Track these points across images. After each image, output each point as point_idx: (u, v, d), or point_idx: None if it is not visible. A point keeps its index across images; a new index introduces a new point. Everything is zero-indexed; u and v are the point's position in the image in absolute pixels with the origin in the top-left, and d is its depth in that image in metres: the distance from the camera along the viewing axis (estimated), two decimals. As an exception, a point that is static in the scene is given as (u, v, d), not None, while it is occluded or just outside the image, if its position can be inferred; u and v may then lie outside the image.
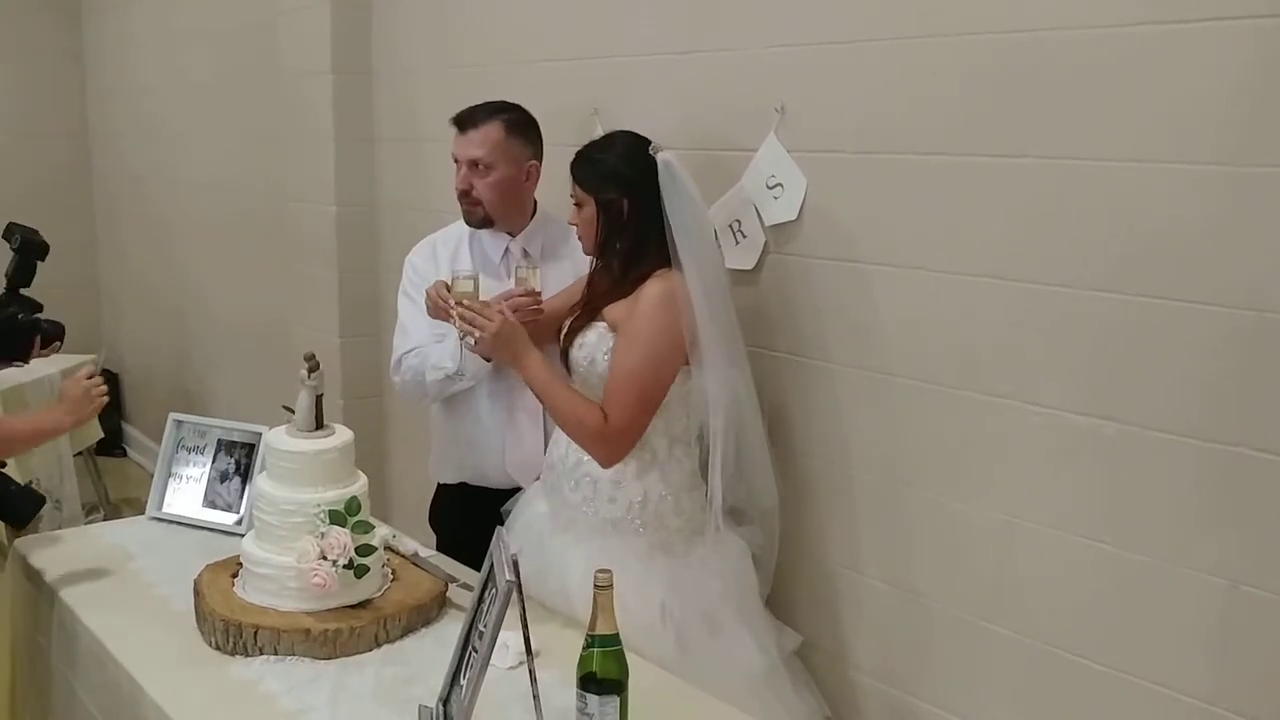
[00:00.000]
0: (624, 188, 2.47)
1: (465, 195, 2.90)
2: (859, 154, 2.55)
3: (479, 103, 2.93)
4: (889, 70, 2.47)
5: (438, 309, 2.69)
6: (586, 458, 2.52)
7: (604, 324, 2.51)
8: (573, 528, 2.55)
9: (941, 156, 2.39)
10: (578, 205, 2.56)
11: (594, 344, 2.51)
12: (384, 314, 4.33)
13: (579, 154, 2.57)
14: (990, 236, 2.33)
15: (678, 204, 2.45)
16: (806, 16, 2.62)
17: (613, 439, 2.46)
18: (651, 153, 2.47)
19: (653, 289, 2.44)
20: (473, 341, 2.61)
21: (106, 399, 2.81)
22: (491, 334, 2.53)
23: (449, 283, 2.70)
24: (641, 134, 2.56)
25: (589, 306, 2.57)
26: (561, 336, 2.62)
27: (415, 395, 2.94)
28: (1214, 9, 1.96)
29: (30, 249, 2.98)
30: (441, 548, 2.94)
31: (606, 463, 2.49)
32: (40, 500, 2.80)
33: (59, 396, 2.79)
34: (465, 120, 2.89)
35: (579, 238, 2.61)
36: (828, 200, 2.62)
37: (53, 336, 3.05)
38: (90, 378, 2.77)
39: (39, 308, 3.01)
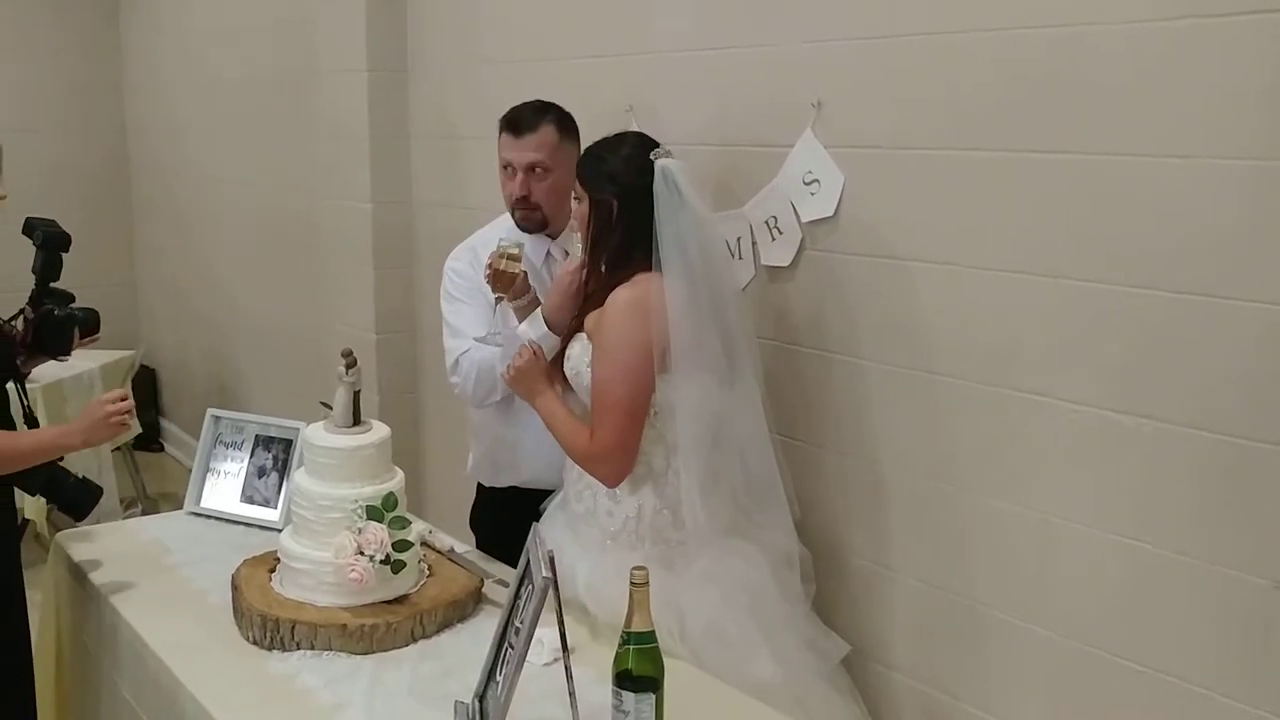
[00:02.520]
0: (616, 188, 2.46)
1: (524, 200, 2.87)
2: (896, 150, 2.53)
3: (523, 102, 2.91)
4: (926, 66, 2.45)
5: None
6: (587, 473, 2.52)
7: (585, 334, 2.51)
8: (578, 539, 2.54)
9: (978, 152, 2.38)
10: (576, 199, 2.56)
11: (578, 356, 2.51)
12: (420, 311, 4.35)
13: (588, 150, 2.57)
14: (1028, 233, 2.31)
15: (671, 212, 2.42)
16: (843, 12, 2.61)
17: (601, 457, 2.46)
18: (653, 157, 2.45)
19: (619, 296, 2.43)
20: (505, 371, 2.65)
21: (126, 427, 2.68)
22: (515, 367, 2.58)
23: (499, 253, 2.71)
24: (653, 138, 2.54)
25: (580, 313, 2.56)
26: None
27: (484, 391, 2.88)
28: (1250, 3, 1.94)
29: (54, 242, 2.96)
30: (482, 549, 2.94)
31: (606, 481, 2.49)
32: (98, 491, 2.82)
33: (82, 413, 2.71)
34: (520, 123, 2.85)
35: (577, 232, 2.61)
36: (865, 196, 2.61)
37: (90, 327, 3.02)
38: (123, 399, 2.67)
39: (71, 299, 2.99)
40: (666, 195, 2.42)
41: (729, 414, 2.48)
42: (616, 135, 2.60)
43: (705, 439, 2.44)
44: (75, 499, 2.77)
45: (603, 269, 2.51)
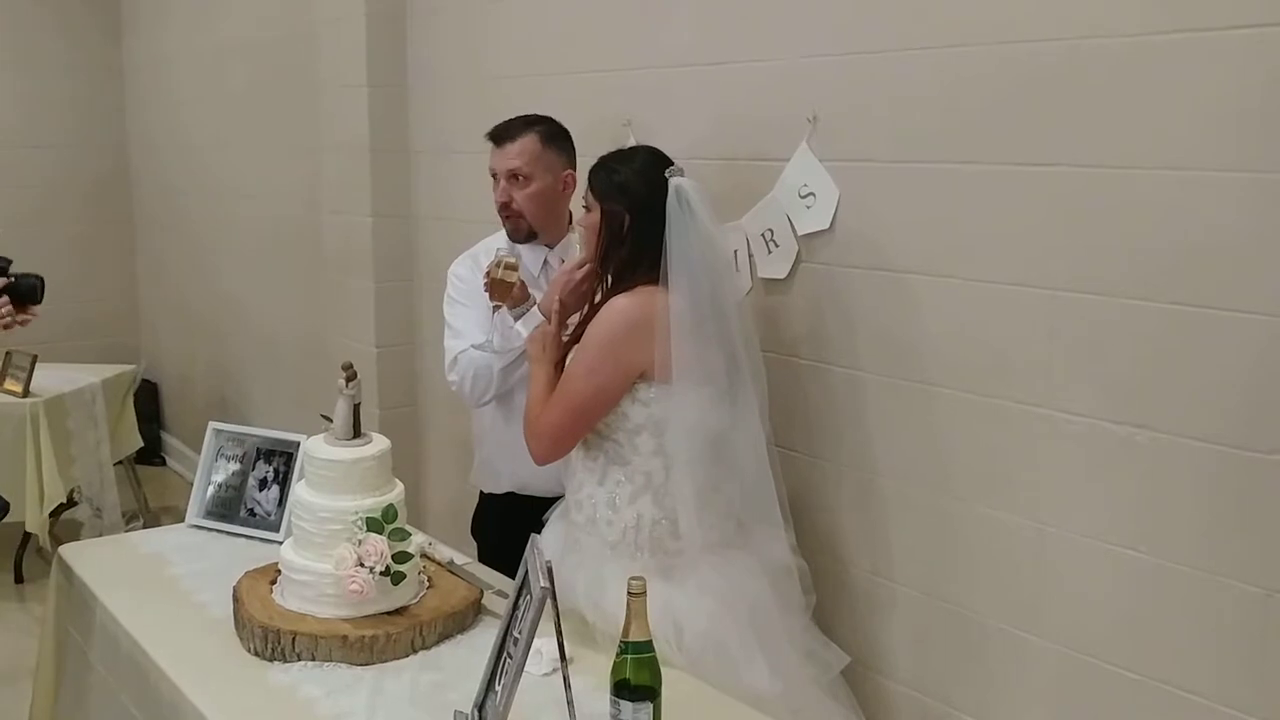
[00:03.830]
0: (630, 203, 2.49)
1: (506, 208, 2.93)
2: (891, 163, 2.55)
3: (512, 117, 2.96)
4: (921, 79, 2.47)
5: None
6: (587, 483, 2.54)
7: None
8: (577, 550, 2.55)
9: (974, 165, 2.40)
10: (586, 209, 2.59)
11: None
12: (420, 325, 4.37)
13: (599, 160, 2.60)
14: (1024, 244, 2.33)
15: (682, 229, 2.44)
16: (839, 26, 2.63)
17: (537, 435, 2.54)
18: (667, 175, 2.48)
19: (616, 303, 2.46)
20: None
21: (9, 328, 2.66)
22: (543, 329, 2.65)
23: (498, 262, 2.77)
24: (666, 154, 2.56)
25: (584, 320, 2.59)
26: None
27: (480, 389, 2.92)
28: (1245, 16, 1.96)
29: None
30: (484, 557, 2.96)
31: (534, 458, 2.57)
32: (5, 506, 2.80)
33: None
34: (501, 134, 2.93)
35: (580, 240, 2.65)
36: (860, 209, 2.63)
37: (28, 294, 2.89)
38: None
39: (7, 263, 2.88)
40: (679, 214, 2.45)
41: (729, 428, 2.50)
42: (629, 148, 2.65)
43: (702, 452, 2.46)
44: None
45: (609, 279, 2.54)
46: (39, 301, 2.97)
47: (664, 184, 2.46)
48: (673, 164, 2.51)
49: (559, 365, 2.58)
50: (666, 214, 2.45)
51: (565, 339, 2.63)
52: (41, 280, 2.96)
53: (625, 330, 2.43)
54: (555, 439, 2.52)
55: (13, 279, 2.88)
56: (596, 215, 2.54)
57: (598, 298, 2.57)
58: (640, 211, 2.47)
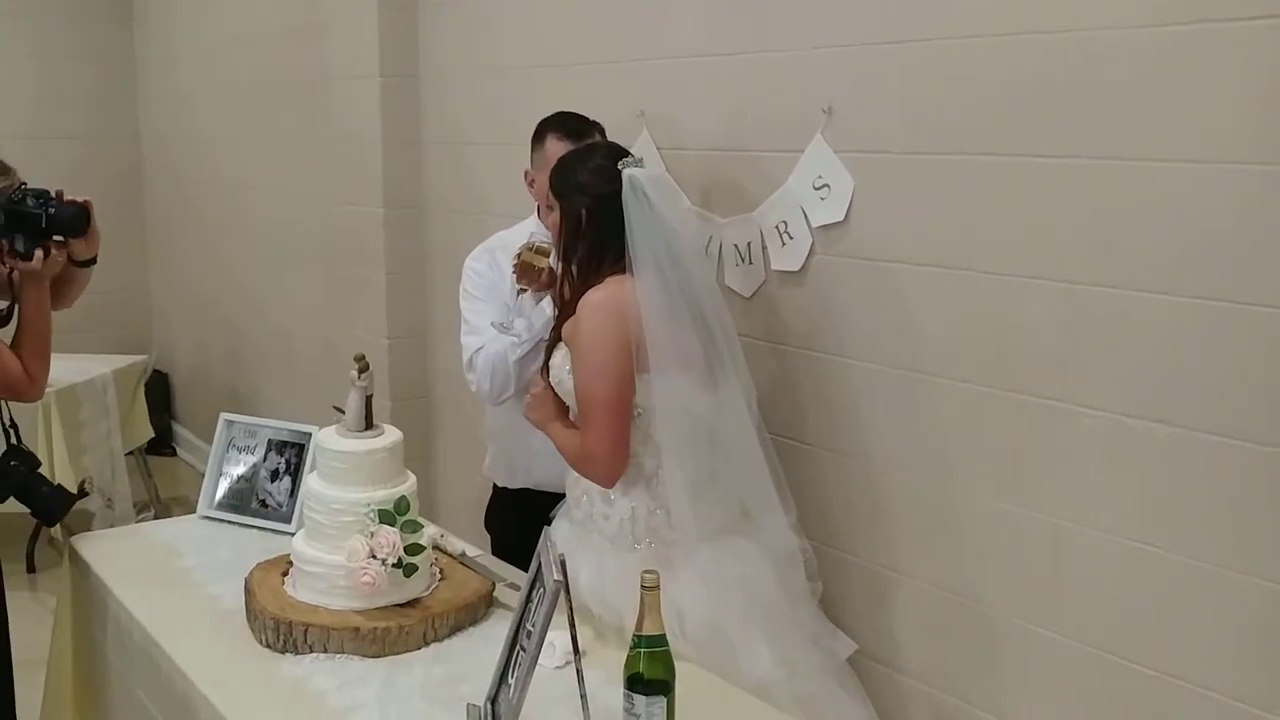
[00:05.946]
0: (585, 198, 2.50)
1: None
2: (906, 154, 2.54)
3: (563, 112, 2.95)
4: (936, 71, 2.46)
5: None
6: (581, 479, 2.54)
7: (564, 342, 2.54)
8: (581, 544, 2.55)
9: (990, 157, 2.38)
10: (550, 209, 2.62)
11: (559, 365, 2.54)
12: (432, 316, 4.37)
13: (560, 159, 2.62)
14: (1039, 237, 2.31)
15: (641, 218, 2.45)
16: (853, 17, 2.62)
17: (591, 459, 2.49)
18: (621, 166, 2.48)
19: (590, 298, 2.45)
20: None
21: None
22: (532, 394, 2.65)
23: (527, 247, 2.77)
24: (624, 147, 2.58)
25: (558, 321, 2.59)
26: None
27: (499, 386, 2.90)
28: (1264, 7, 1.95)
29: None
30: (497, 550, 2.95)
31: (602, 482, 2.52)
32: (71, 498, 2.81)
33: None
34: (578, 130, 2.90)
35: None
36: (875, 201, 2.62)
37: (66, 225, 2.67)
38: None
39: (46, 194, 2.68)
40: (635, 202, 2.46)
41: (714, 415, 2.50)
42: (588, 145, 2.68)
43: (691, 439, 2.46)
44: (48, 505, 2.77)
45: (574, 276, 2.54)
46: (83, 233, 2.77)
47: (618, 176, 2.47)
48: (629, 155, 2.52)
49: (546, 360, 2.58)
50: (623, 204, 2.46)
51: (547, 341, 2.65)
52: (83, 208, 2.73)
53: (609, 318, 2.42)
54: (610, 449, 2.47)
55: (52, 208, 2.68)
56: (558, 214, 2.56)
57: (565, 295, 2.57)
58: (596, 206, 2.48)
